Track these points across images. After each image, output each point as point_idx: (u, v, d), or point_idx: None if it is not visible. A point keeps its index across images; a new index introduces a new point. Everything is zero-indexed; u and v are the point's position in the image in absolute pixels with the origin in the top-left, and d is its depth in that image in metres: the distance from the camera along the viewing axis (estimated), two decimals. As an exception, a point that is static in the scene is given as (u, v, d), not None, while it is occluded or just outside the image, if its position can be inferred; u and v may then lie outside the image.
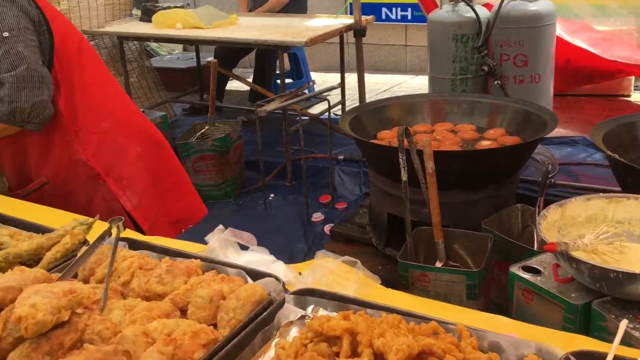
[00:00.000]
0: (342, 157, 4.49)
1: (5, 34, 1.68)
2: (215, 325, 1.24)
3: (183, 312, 1.30)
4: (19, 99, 1.70)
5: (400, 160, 2.47)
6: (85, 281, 1.45)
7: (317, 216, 4.08)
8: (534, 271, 1.73)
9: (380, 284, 1.31)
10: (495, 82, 4.08)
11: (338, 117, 4.82)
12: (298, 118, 4.13)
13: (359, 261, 1.34)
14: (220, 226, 1.54)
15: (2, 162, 2.07)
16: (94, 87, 2.07)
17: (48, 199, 1.99)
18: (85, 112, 2.03)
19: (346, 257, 1.36)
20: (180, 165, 2.41)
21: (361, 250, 3.47)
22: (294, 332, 1.23)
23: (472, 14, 4.05)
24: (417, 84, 6.67)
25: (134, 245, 1.55)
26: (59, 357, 1.02)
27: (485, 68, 4.08)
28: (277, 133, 4.74)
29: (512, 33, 4.04)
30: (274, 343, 1.20)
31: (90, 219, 1.65)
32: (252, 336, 1.17)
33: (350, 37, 5.38)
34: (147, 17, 5.24)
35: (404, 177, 2.51)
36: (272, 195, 4.51)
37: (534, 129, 3.17)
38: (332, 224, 3.87)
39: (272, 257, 1.46)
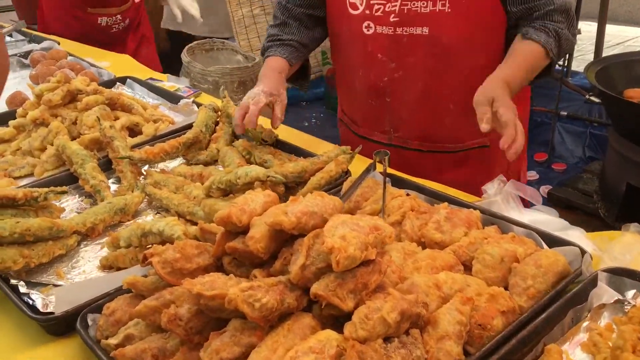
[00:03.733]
0: (565, 113, 4.05)
1: None
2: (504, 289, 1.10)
3: (465, 267, 1.17)
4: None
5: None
6: (351, 214, 1.38)
7: (531, 175, 3.75)
8: None
9: None
10: None
11: (558, 69, 4.36)
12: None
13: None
14: (502, 176, 1.37)
15: None
16: None
17: None
18: None
19: (670, 238, 1.12)
20: None
21: (583, 220, 3.13)
22: (605, 317, 1.05)
23: None
24: (656, 38, 5.78)
25: (398, 182, 1.45)
26: (362, 297, 0.94)
27: None
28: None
29: None
30: (584, 325, 1.03)
31: (346, 149, 1.57)
32: (562, 313, 1.01)
33: (587, -21, 4.76)
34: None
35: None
36: (479, 145, 4.25)
37: None
38: (549, 186, 3.54)
39: (564, 221, 1.27)
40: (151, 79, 2.29)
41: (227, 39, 3.25)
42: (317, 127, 4.36)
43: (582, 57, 5.19)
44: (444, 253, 1.18)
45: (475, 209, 1.29)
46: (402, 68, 1.61)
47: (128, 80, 2.21)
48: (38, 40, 2.74)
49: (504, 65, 1.52)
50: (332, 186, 1.46)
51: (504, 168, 1.74)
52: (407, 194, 1.38)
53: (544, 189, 3.53)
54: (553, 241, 1.17)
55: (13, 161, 1.70)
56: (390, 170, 1.51)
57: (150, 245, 1.28)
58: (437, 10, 1.50)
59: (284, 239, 1.06)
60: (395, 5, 1.53)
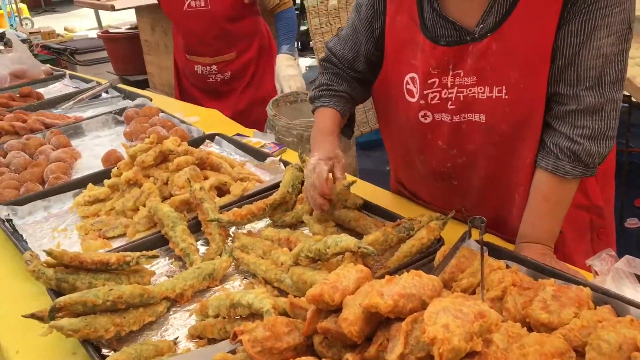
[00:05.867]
0: (668, 153, 3.78)
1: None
2: (623, 383, 0.98)
3: (576, 353, 1.06)
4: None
5: None
6: (446, 286, 1.30)
7: (633, 222, 3.52)
8: None
9: None
10: None
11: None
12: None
13: None
14: (610, 250, 1.25)
15: None
16: None
17: None
18: None
19: None
20: None
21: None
22: None
23: None
24: None
25: (496, 252, 1.36)
26: (467, 395, 0.86)
27: None
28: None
29: None
30: None
31: (439, 214, 1.50)
32: (698, 419, 0.88)
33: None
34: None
35: None
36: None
37: None
38: (654, 236, 3.30)
39: (690, 303, 1.13)
40: (238, 134, 2.32)
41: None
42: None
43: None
44: (553, 337, 1.07)
45: (585, 285, 1.18)
46: (464, 154, 1.51)
47: (216, 137, 2.25)
48: (132, 97, 2.86)
49: (528, 226, 1.44)
50: (424, 255, 1.40)
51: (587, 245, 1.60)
52: (507, 266, 1.29)
53: (648, 238, 3.30)
54: (680, 328, 1.04)
55: (107, 221, 1.74)
56: (487, 238, 1.43)
57: (238, 317, 1.26)
58: (494, 97, 1.39)
59: (378, 321, 1.01)
60: (452, 92, 1.43)
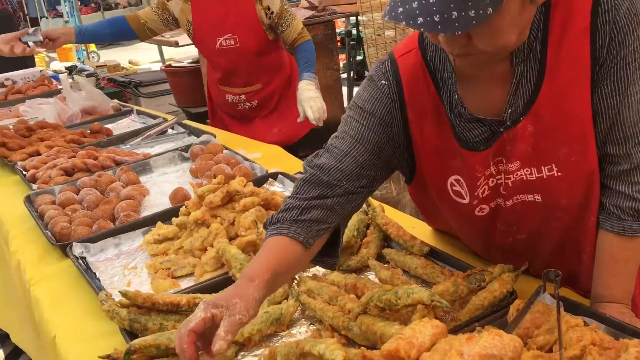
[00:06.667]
0: None
1: None
2: None
3: None
4: None
5: None
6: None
7: None
8: None
9: None
10: None
11: None
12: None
13: None
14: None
15: None
16: None
17: None
18: None
19: None
20: None
21: None
22: None
23: None
24: None
25: (572, 308, 1.31)
26: None
27: None
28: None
29: None
30: None
31: (511, 266, 1.46)
32: None
33: None
34: None
35: None
36: None
37: None
38: None
39: None
40: (300, 172, 2.34)
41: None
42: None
43: None
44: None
45: (671, 348, 1.12)
46: (525, 232, 1.45)
47: (279, 175, 2.28)
48: (197, 133, 2.94)
49: (600, 287, 1.39)
50: (497, 308, 1.36)
51: None
52: (585, 323, 1.25)
53: None
54: None
55: (175, 260, 1.78)
56: (562, 293, 1.38)
57: (308, 367, 1.25)
58: (545, 176, 1.32)
59: (457, 382, 0.98)
60: (500, 179, 1.37)
